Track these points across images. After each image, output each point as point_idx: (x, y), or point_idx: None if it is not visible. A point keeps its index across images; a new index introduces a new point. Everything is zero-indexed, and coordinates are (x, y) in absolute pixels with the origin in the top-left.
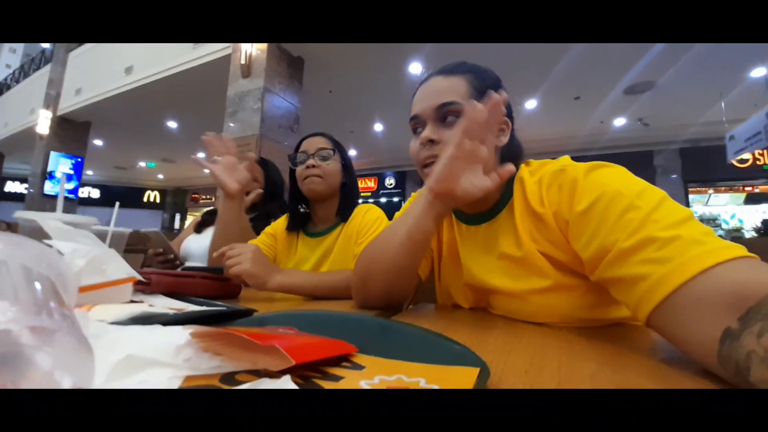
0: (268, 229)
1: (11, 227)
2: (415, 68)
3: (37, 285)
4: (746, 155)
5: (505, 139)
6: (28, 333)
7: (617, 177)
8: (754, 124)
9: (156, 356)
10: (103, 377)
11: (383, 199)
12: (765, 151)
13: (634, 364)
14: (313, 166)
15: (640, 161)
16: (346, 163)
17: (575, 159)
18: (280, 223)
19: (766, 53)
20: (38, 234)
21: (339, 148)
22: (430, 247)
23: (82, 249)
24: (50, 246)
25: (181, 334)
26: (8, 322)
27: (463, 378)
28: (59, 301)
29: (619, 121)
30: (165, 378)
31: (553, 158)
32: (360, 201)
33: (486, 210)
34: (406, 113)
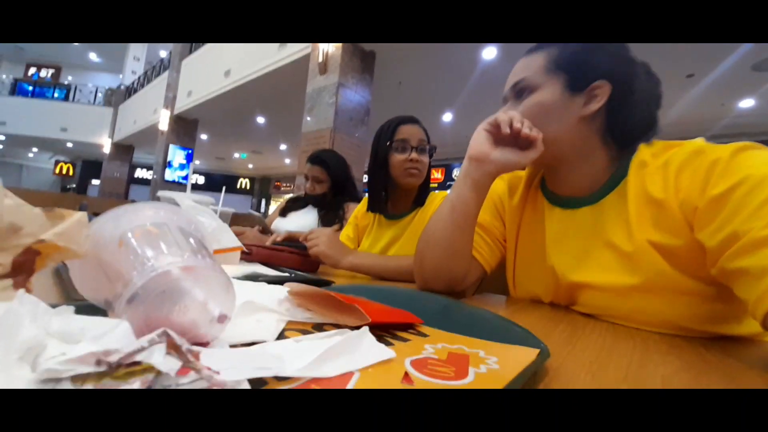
0: (351, 219)
1: None
2: (489, 53)
3: (191, 240)
4: None
5: (594, 105)
6: (185, 273)
7: None
8: None
9: (266, 304)
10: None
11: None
12: None
13: (721, 375)
14: (416, 160)
15: None
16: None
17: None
18: (361, 207)
19: None
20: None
21: (429, 139)
22: (498, 239)
23: (205, 222)
24: None
25: (281, 290)
26: (168, 265)
27: (521, 355)
28: (207, 251)
29: (747, 103)
30: (274, 320)
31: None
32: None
33: (589, 193)
34: (476, 101)
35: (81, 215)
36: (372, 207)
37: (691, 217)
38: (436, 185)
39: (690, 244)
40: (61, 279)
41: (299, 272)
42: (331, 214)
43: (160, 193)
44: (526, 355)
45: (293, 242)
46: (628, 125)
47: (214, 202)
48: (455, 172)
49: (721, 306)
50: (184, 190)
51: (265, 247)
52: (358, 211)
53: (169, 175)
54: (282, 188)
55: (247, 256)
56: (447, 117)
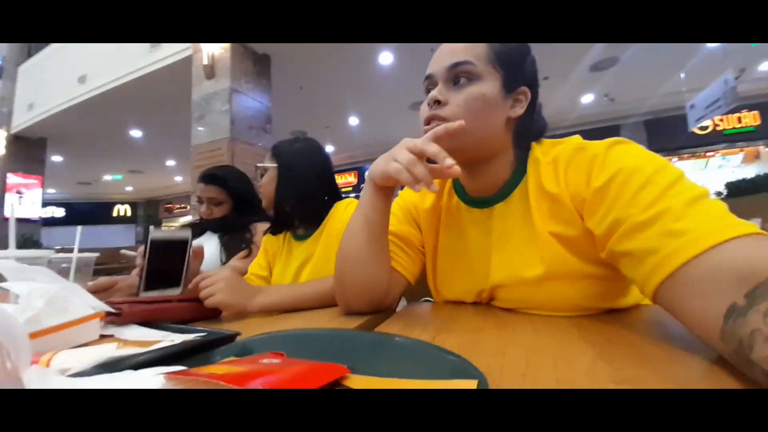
0: (262, 246)
1: None
2: (386, 58)
3: None
4: (707, 122)
5: (519, 110)
6: None
7: (635, 153)
8: (713, 92)
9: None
10: None
11: None
12: (724, 117)
13: (627, 353)
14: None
15: (608, 135)
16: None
17: (551, 137)
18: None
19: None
20: None
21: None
22: (417, 247)
23: (39, 288)
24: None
25: (155, 379)
26: None
27: None
28: (3, 369)
29: (587, 98)
30: None
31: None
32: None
33: (496, 192)
34: (380, 104)
35: None
36: (271, 230)
37: (580, 207)
38: (350, 188)
39: (583, 233)
40: None
41: (195, 326)
42: (236, 239)
43: None
44: None
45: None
46: (532, 129)
47: (55, 251)
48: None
49: (612, 284)
50: (37, 230)
51: (142, 301)
52: (266, 237)
53: (10, 211)
54: (175, 210)
55: (118, 319)
56: (354, 121)
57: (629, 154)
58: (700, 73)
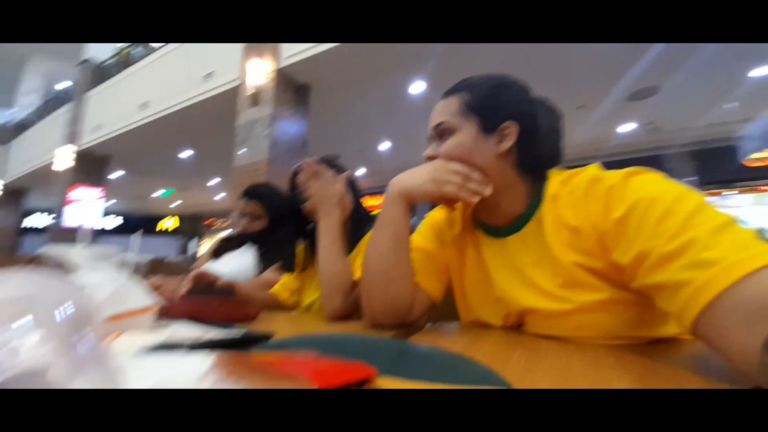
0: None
1: (35, 260)
2: (418, 87)
3: (66, 321)
4: (761, 154)
5: (506, 145)
6: (61, 367)
7: (653, 183)
8: (766, 123)
9: (181, 384)
10: None
11: None
12: None
13: (666, 382)
14: None
15: (652, 165)
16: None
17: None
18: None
19: None
20: (65, 267)
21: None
22: (443, 266)
23: (106, 280)
24: (77, 281)
25: (205, 360)
26: (43, 357)
27: None
28: (86, 336)
29: (626, 127)
30: None
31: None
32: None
33: (511, 222)
34: (411, 130)
35: None
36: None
37: (602, 240)
38: (378, 211)
39: (608, 264)
40: None
41: (233, 328)
42: (272, 251)
43: (45, 249)
44: None
45: (213, 287)
46: (536, 159)
47: (121, 251)
48: None
49: (647, 310)
50: (88, 238)
51: (188, 301)
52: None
53: (72, 221)
54: (214, 226)
55: (167, 314)
56: (385, 145)
57: (647, 184)
58: (749, 103)
